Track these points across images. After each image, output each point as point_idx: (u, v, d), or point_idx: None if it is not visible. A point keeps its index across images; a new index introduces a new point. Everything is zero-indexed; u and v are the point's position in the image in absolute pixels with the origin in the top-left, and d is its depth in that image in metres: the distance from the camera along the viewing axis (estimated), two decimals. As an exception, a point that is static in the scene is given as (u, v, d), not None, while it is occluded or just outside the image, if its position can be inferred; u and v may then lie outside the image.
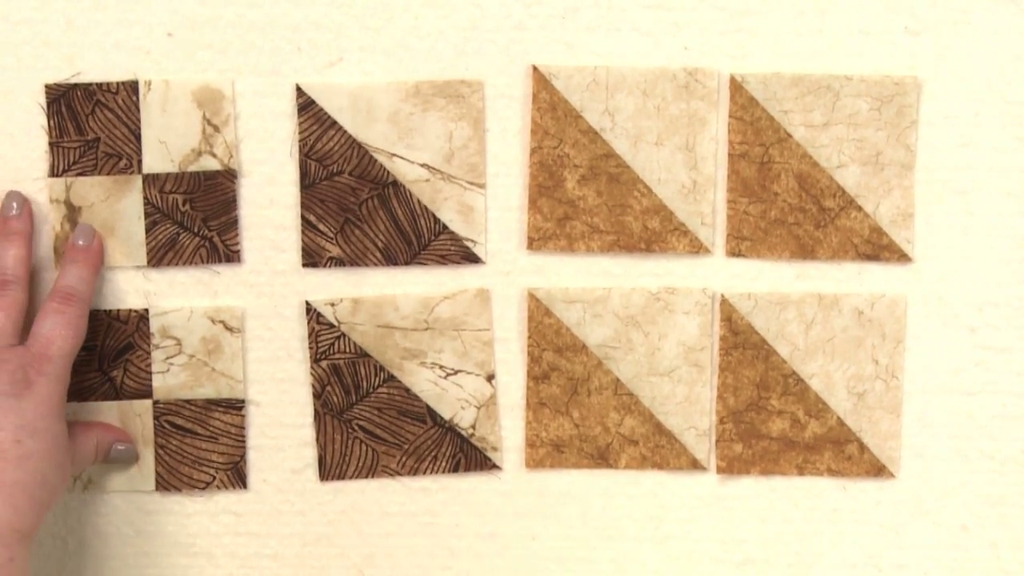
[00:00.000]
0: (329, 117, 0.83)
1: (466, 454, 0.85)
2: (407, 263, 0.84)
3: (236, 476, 0.85)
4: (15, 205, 0.82)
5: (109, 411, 0.84)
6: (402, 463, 0.85)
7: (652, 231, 0.83)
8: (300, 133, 0.83)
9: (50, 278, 0.84)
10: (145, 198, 0.83)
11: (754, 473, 0.85)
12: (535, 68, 0.83)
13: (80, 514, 0.85)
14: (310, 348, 0.84)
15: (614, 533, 0.86)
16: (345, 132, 0.83)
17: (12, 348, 0.77)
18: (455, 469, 0.85)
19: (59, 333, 0.78)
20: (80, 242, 0.82)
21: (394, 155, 0.83)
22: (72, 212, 0.83)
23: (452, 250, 0.84)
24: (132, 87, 0.83)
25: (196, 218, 0.83)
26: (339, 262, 0.84)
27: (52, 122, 0.83)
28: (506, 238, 0.84)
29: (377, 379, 0.85)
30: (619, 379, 0.84)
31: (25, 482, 0.74)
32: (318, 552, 0.86)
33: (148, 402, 0.84)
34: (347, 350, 0.84)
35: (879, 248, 0.83)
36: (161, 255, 0.84)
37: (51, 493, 0.76)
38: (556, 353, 0.84)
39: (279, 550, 0.86)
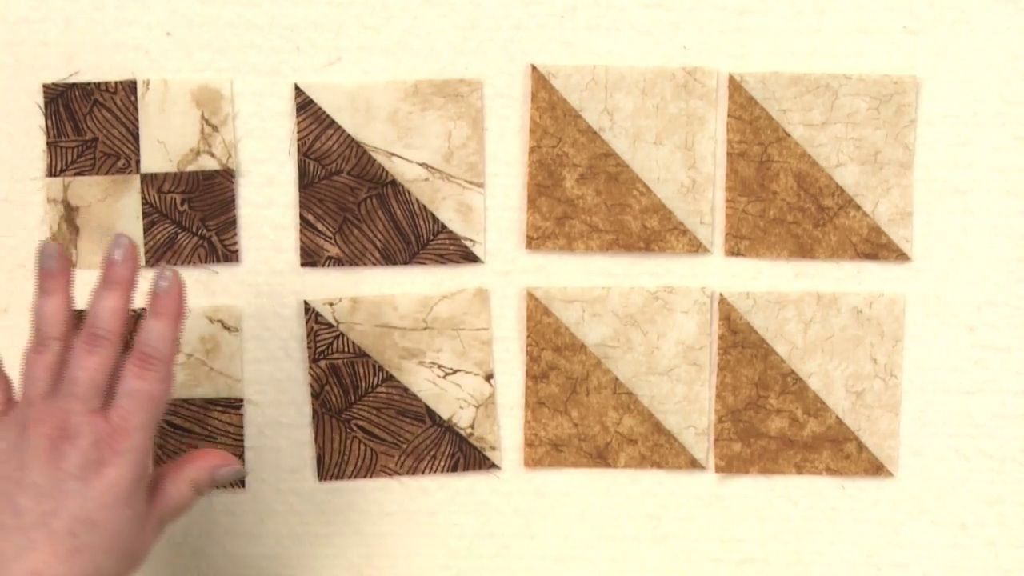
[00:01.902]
0: (328, 116, 0.83)
1: (465, 454, 0.85)
2: (406, 262, 0.84)
3: None
4: (121, 250, 0.72)
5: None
6: (401, 463, 0.85)
7: (651, 230, 0.83)
8: (299, 133, 0.83)
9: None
10: (143, 198, 0.83)
11: (753, 472, 0.85)
12: (534, 67, 0.83)
13: (78, 514, 0.85)
14: (308, 348, 0.84)
15: (613, 532, 0.86)
16: (344, 132, 0.83)
17: (92, 417, 0.70)
18: (454, 469, 0.85)
19: (137, 403, 0.71)
20: (161, 285, 0.72)
21: (393, 154, 0.83)
22: (70, 212, 0.83)
23: (451, 249, 0.84)
24: (130, 87, 0.83)
25: (194, 218, 0.83)
26: (338, 262, 0.84)
27: (50, 122, 0.83)
28: (505, 237, 0.84)
29: (376, 379, 0.84)
30: (618, 378, 0.84)
31: None
32: (316, 552, 0.86)
33: (146, 402, 0.84)
34: (345, 350, 0.84)
35: (878, 247, 0.83)
36: (159, 255, 0.84)
37: None
38: (555, 352, 0.84)
39: (277, 550, 0.86)
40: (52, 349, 0.72)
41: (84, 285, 0.83)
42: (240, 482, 0.83)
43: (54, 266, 0.72)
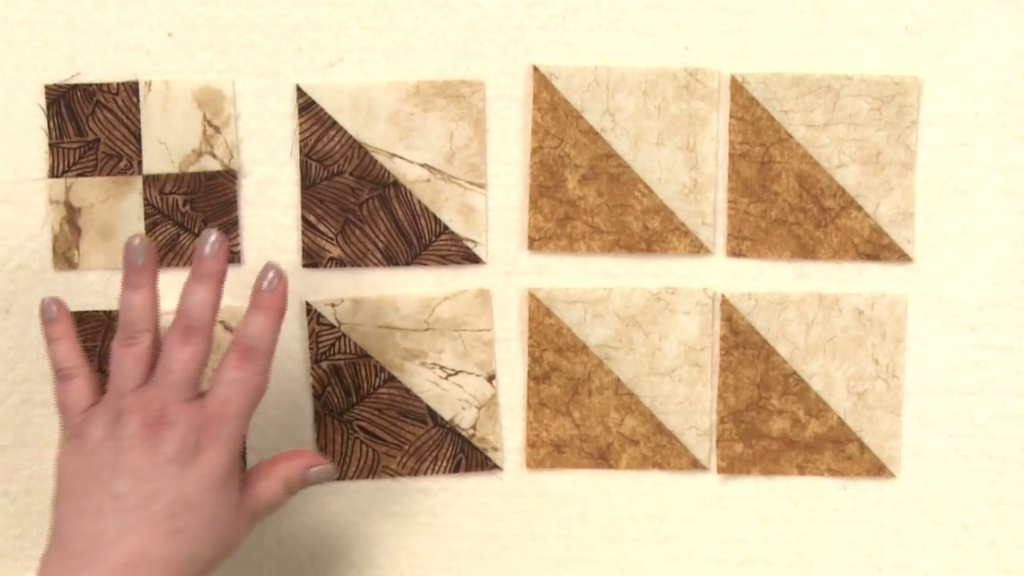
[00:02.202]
0: (329, 117, 0.83)
1: (467, 454, 0.85)
2: (408, 263, 0.84)
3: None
4: (212, 243, 0.74)
5: (109, 412, 0.84)
6: (403, 464, 0.85)
7: (653, 231, 0.83)
8: (300, 133, 0.83)
9: (49, 280, 0.83)
10: (145, 199, 0.83)
11: (754, 473, 0.85)
12: (535, 68, 0.83)
13: (80, 515, 0.85)
14: (310, 349, 0.84)
15: (615, 533, 0.86)
16: (346, 132, 0.83)
17: (188, 405, 0.72)
18: (456, 469, 0.85)
19: (236, 392, 0.73)
20: (264, 285, 0.75)
21: (394, 155, 0.83)
22: (72, 213, 0.83)
23: (453, 250, 0.84)
24: (132, 88, 0.83)
25: (196, 219, 0.83)
26: (339, 262, 0.84)
27: (52, 123, 0.83)
28: (507, 238, 0.84)
29: (377, 380, 0.84)
30: (620, 379, 0.84)
31: (173, 559, 0.70)
32: (317, 552, 0.86)
33: (148, 403, 0.84)
34: (347, 351, 0.84)
35: (879, 248, 0.83)
36: (161, 256, 0.84)
37: (203, 568, 0.71)
38: (557, 353, 0.84)
39: (277, 550, 0.85)
40: (141, 342, 0.74)
41: (87, 286, 0.84)
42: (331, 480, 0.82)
43: (142, 261, 0.75)
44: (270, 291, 0.75)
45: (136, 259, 0.75)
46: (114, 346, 0.74)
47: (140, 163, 0.83)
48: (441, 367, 0.84)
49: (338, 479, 0.85)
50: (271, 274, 0.75)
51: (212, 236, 0.74)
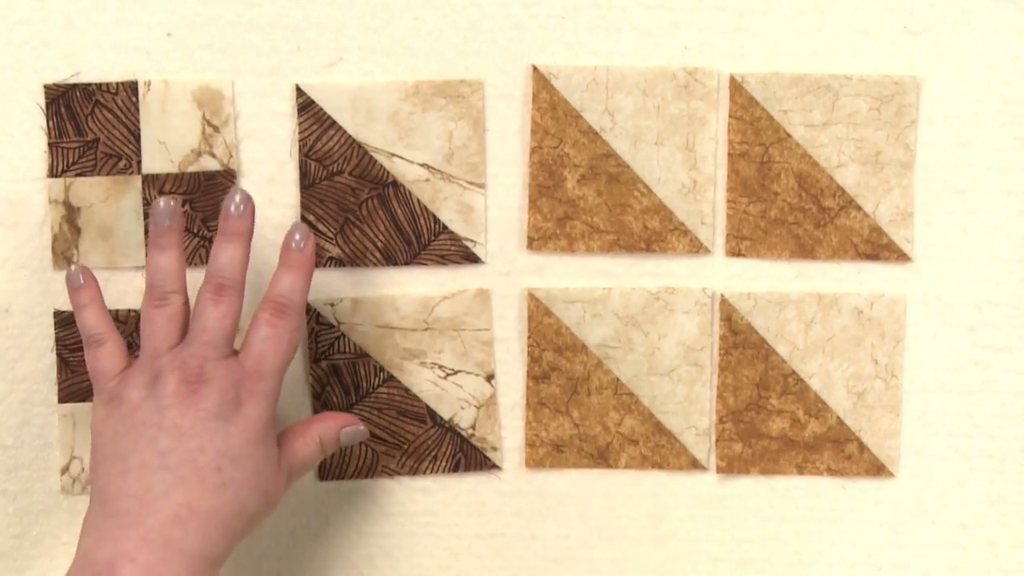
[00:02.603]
0: (329, 117, 0.83)
1: (466, 454, 0.85)
2: (407, 263, 0.84)
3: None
4: (238, 202, 0.76)
5: (108, 412, 0.84)
6: (402, 463, 0.85)
7: (652, 231, 0.83)
8: (300, 133, 0.83)
9: (48, 280, 0.83)
10: (144, 198, 0.83)
11: (754, 473, 0.85)
12: (535, 68, 0.83)
13: (79, 515, 0.85)
14: (309, 348, 0.84)
15: (614, 533, 0.86)
16: (345, 132, 0.83)
17: (226, 362, 0.74)
18: (455, 469, 0.85)
19: (272, 348, 0.75)
20: (293, 244, 0.77)
21: (394, 155, 0.83)
22: (71, 212, 0.83)
23: (452, 250, 0.84)
24: (131, 87, 0.83)
25: (196, 218, 0.83)
26: (339, 262, 0.84)
27: (51, 122, 0.83)
28: (506, 238, 0.84)
29: (377, 379, 0.84)
30: (619, 379, 0.84)
31: (221, 511, 0.71)
32: (317, 552, 0.86)
33: (147, 403, 0.84)
34: (347, 350, 0.84)
35: (879, 247, 0.83)
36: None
37: (248, 521, 0.73)
38: (556, 353, 0.84)
39: (277, 550, 0.85)
40: (172, 302, 0.76)
41: (85, 286, 0.84)
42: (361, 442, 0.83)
43: (168, 223, 0.76)
44: (298, 250, 0.77)
45: (163, 221, 0.76)
46: (144, 308, 0.76)
47: (139, 163, 0.83)
48: (440, 367, 0.84)
49: (338, 479, 0.85)
50: (298, 234, 0.77)
51: (238, 195, 0.76)
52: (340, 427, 0.79)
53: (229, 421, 0.73)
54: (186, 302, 0.76)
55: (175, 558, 0.69)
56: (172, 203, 0.76)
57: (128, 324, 0.84)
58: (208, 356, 0.74)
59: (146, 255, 0.77)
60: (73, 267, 0.78)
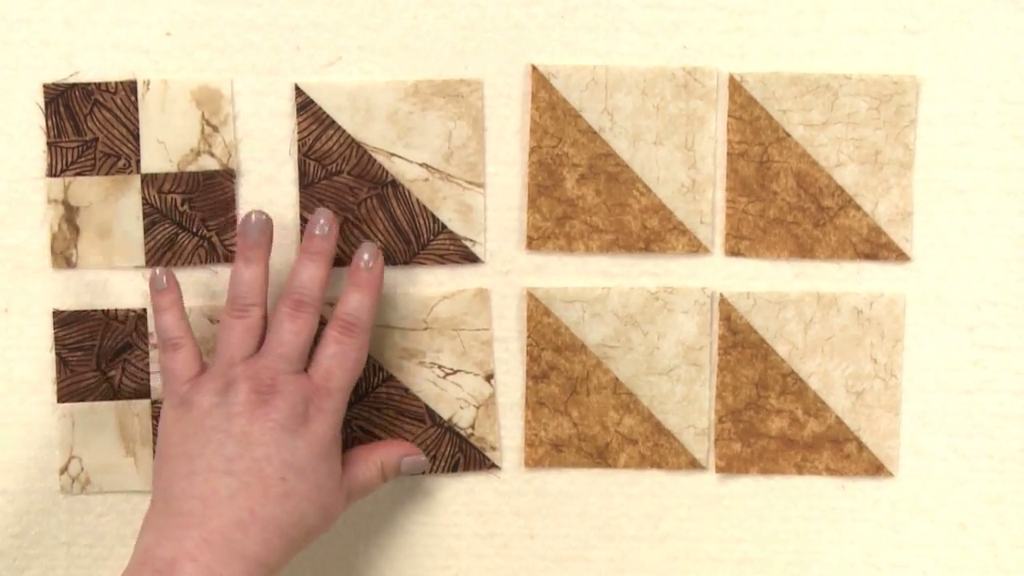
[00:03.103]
0: (328, 117, 0.83)
1: (465, 454, 0.85)
2: (406, 263, 0.84)
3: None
4: (322, 224, 0.79)
5: (107, 411, 0.84)
6: (401, 463, 0.85)
7: (651, 230, 0.83)
8: (299, 133, 0.83)
9: (48, 279, 0.83)
10: (143, 198, 0.83)
11: (753, 472, 0.85)
12: (534, 67, 0.83)
13: (78, 514, 0.85)
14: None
15: (613, 532, 0.86)
16: (344, 132, 0.83)
17: (297, 376, 0.76)
18: (454, 469, 0.85)
19: (338, 365, 0.77)
20: (362, 264, 0.79)
21: (393, 155, 0.83)
22: (70, 212, 0.83)
23: (451, 250, 0.84)
24: (130, 87, 0.83)
25: (195, 218, 0.83)
26: (338, 262, 0.84)
27: (50, 122, 0.83)
28: (505, 238, 0.84)
29: (376, 379, 0.84)
30: (618, 378, 0.84)
31: (281, 520, 0.73)
32: (317, 552, 0.86)
33: (146, 402, 0.84)
34: (346, 350, 0.84)
35: (878, 247, 0.83)
36: (160, 255, 0.83)
37: (307, 533, 0.74)
38: (555, 352, 0.84)
39: (278, 550, 0.85)
40: (252, 314, 0.77)
41: (85, 285, 0.84)
42: (422, 472, 0.85)
43: (258, 238, 0.78)
44: (367, 270, 0.79)
45: (252, 234, 0.78)
46: (224, 317, 0.78)
47: (138, 162, 0.83)
48: (439, 366, 0.84)
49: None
50: (367, 254, 0.79)
51: (323, 218, 0.79)
52: (402, 456, 0.81)
53: (296, 434, 0.74)
54: (265, 315, 0.78)
55: (235, 561, 0.71)
56: (264, 217, 0.78)
57: (127, 324, 0.84)
58: (281, 369, 0.76)
59: (232, 265, 0.79)
60: (158, 269, 0.79)
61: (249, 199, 0.83)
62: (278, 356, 0.76)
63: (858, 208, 0.83)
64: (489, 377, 0.85)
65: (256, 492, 0.72)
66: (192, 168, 0.83)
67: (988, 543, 0.85)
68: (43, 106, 0.83)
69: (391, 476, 0.81)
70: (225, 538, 0.71)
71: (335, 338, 0.77)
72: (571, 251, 0.84)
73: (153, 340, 0.84)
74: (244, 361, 0.76)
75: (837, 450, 0.84)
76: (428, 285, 0.84)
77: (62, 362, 0.84)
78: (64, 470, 0.85)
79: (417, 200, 0.83)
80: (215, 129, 0.83)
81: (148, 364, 0.84)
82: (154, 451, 0.84)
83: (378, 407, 0.85)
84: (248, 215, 0.78)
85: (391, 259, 0.84)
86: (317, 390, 0.76)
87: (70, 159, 0.83)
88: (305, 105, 0.83)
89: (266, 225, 0.78)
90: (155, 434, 0.84)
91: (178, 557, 0.70)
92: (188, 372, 0.77)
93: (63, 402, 0.84)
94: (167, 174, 0.83)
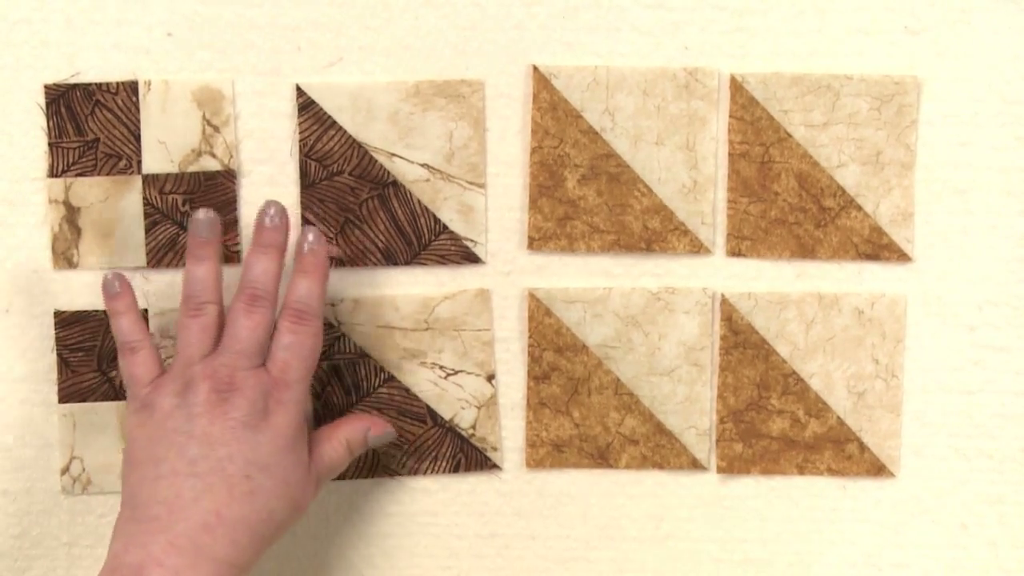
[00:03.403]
0: (329, 117, 0.83)
1: (466, 454, 0.85)
2: (407, 263, 0.84)
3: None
4: (272, 215, 0.78)
5: (108, 412, 0.84)
6: (402, 463, 0.85)
7: (652, 231, 0.83)
8: (300, 133, 0.83)
9: (48, 280, 0.83)
10: (145, 198, 0.83)
11: (754, 472, 0.85)
12: (535, 68, 0.83)
13: (79, 515, 0.85)
14: (310, 348, 0.84)
15: (614, 533, 0.86)
16: (345, 132, 0.83)
17: (256, 371, 0.75)
18: (455, 469, 0.85)
19: (295, 355, 0.76)
20: (305, 248, 0.78)
21: (394, 155, 0.83)
22: (71, 212, 0.83)
23: (452, 250, 0.84)
24: (132, 87, 0.83)
25: (196, 218, 0.83)
26: (339, 262, 0.84)
27: (51, 122, 0.83)
28: (506, 238, 0.84)
29: (377, 379, 0.84)
30: (619, 379, 0.84)
31: (249, 519, 0.72)
32: (317, 552, 0.86)
33: (148, 403, 0.84)
34: (347, 350, 0.84)
35: (879, 247, 0.83)
36: (161, 255, 0.83)
37: (276, 528, 0.74)
38: (556, 353, 0.84)
39: (277, 550, 0.85)
40: (207, 312, 0.77)
41: (86, 286, 0.84)
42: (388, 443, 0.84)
43: (207, 234, 0.77)
44: (312, 254, 0.78)
45: (201, 232, 0.77)
46: (180, 317, 0.77)
47: (140, 163, 0.83)
48: (441, 367, 0.84)
49: (338, 479, 0.85)
50: (311, 236, 0.78)
51: (272, 208, 0.78)
52: (366, 430, 0.80)
53: (258, 430, 0.74)
54: (221, 312, 0.77)
55: (203, 564, 0.70)
56: (212, 215, 0.78)
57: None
58: (239, 365, 0.75)
59: (185, 265, 0.78)
60: (109, 274, 0.79)
61: (250, 199, 0.83)
62: (236, 353, 0.75)
63: (859, 208, 0.83)
64: (490, 378, 0.85)
65: (221, 493, 0.72)
66: (193, 168, 0.83)
67: (989, 543, 0.85)
68: (44, 107, 0.83)
69: (358, 451, 0.80)
70: (192, 541, 0.71)
71: (288, 328, 0.76)
72: (572, 251, 0.84)
73: (155, 340, 0.83)
74: (202, 360, 0.76)
75: (838, 450, 0.84)
76: (429, 285, 0.84)
77: (63, 362, 0.84)
78: (65, 470, 0.85)
79: (418, 200, 0.83)
80: (216, 129, 0.83)
81: (149, 365, 0.84)
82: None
83: (379, 408, 0.85)
84: (196, 212, 0.78)
85: (392, 259, 0.84)
86: (276, 383, 0.75)
87: (71, 159, 0.83)
88: (306, 105, 0.83)
89: (215, 223, 0.77)
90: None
91: (145, 563, 0.70)
92: (148, 375, 0.77)
93: (64, 402, 0.84)
94: (168, 174, 0.83)
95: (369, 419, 0.81)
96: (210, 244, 0.77)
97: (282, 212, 0.78)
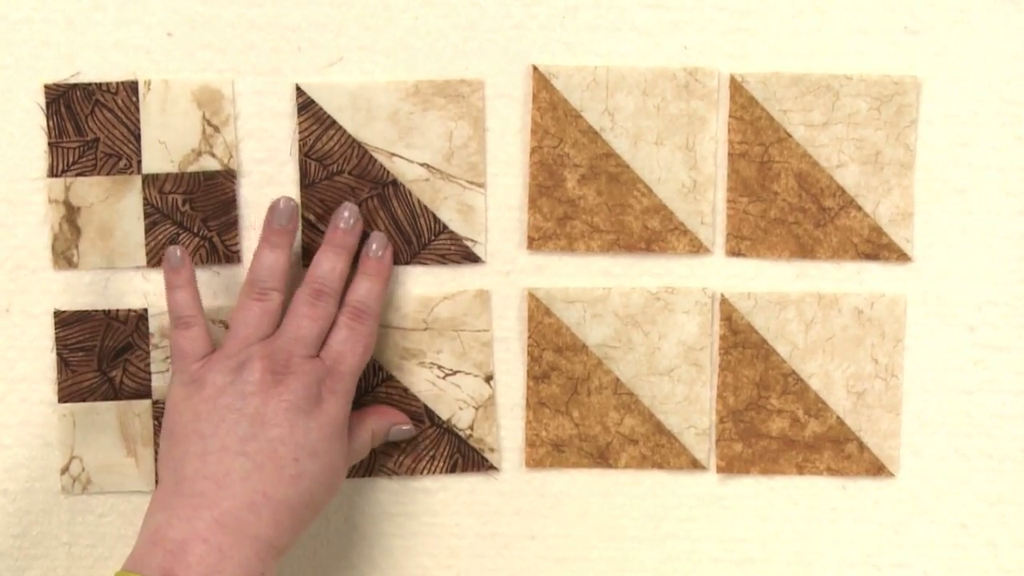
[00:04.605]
0: (329, 117, 0.83)
1: (464, 455, 0.85)
2: (407, 263, 0.84)
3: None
4: (347, 218, 0.81)
5: (108, 411, 0.84)
6: (399, 463, 0.85)
7: (652, 231, 0.83)
8: (300, 133, 0.83)
9: (48, 280, 0.83)
10: (145, 198, 0.83)
11: (754, 472, 0.85)
12: (535, 68, 0.83)
13: (79, 514, 0.85)
14: (310, 348, 0.84)
15: (614, 533, 0.86)
16: (345, 132, 0.83)
17: (310, 359, 0.77)
18: (452, 470, 0.85)
19: (349, 349, 0.78)
20: (371, 253, 0.81)
21: (394, 155, 0.83)
22: (71, 212, 0.83)
23: (452, 250, 0.84)
24: (132, 87, 0.83)
25: (196, 218, 0.83)
26: (345, 257, 0.84)
27: (51, 122, 0.83)
28: (506, 238, 0.84)
29: (375, 379, 0.84)
30: (619, 379, 0.84)
31: (292, 501, 0.73)
32: (317, 552, 0.86)
33: (147, 402, 0.84)
34: (347, 350, 0.84)
35: (879, 247, 0.83)
36: (161, 255, 0.83)
37: (314, 512, 0.75)
38: (556, 353, 0.84)
39: (278, 550, 0.85)
40: (271, 299, 0.78)
41: (86, 286, 0.84)
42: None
43: (285, 224, 0.79)
44: (376, 259, 0.80)
45: (281, 220, 0.79)
46: (242, 298, 0.78)
47: (139, 162, 0.83)
48: (439, 367, 0.84)
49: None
50: (375, 244, 0.81)
51: (347, 211, 0.80)
52: (391, 425, 0.83)
53: (309, 415, 0.75)
54: (283, 302, 0.79)
55: (245, 543, 0.71)
56: (293, 204, 0.79)
57: (128, 324, 0.84)
58: (296, 352, 0.76)
59: (256, 249, 0.80)
60: (172, 247, 0.80)
61: (250, 199, 0.83)
62: (294, 339, 0.77)
63: (859, 208, 0.83)
64: (489, 378, 0.85)
65: (270, 473, 0.73)
66: (193, 168, 0.83)
67: (988, 543, 0.85)
68: (44, 106, 0.83)
69: (378, 443, 0.82)
70: (237, 520, 0.71)
71: (346, 324, 0.78)
72: (572, 251, 0.84)
73: (154, 340, 0.84)
74: (261, 342, 0.77)
75: (838, 450, 0.84)
76: (429, 285, 0.84)
77: (63, 362, 0.84)
78: (65, 470, 0.85)
79: (418, 200, 0.83)
80: (216, 129, 0.83)
81: (149, 364, 0.84)
82: (155, 451, 0.84)
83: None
84: (277, 201, 0.79)
85: (392, 259, 0.84)
86: (329, 372, 0.77)
87: (71, 159, 0.83)
88: (306, 105, 0.83)
89: (294, 212, 0.79)
90: (156, 435, 0.84)
91: (189, 538, 0.70)
92: (199, 351, 0.78)
93: (64, 402, 0.84)
94: (168, 174, 0.83)
95: (395, 413, 0.83)
96: (287, 232, 0.79)
97: (357, 216, 0.81)
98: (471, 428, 0.85)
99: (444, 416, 0.85)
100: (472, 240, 0.84)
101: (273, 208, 0.79)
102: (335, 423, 0.76)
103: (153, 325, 0.84)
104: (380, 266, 0.80)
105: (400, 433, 0.83)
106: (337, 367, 0.77)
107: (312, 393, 0.75)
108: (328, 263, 0.79)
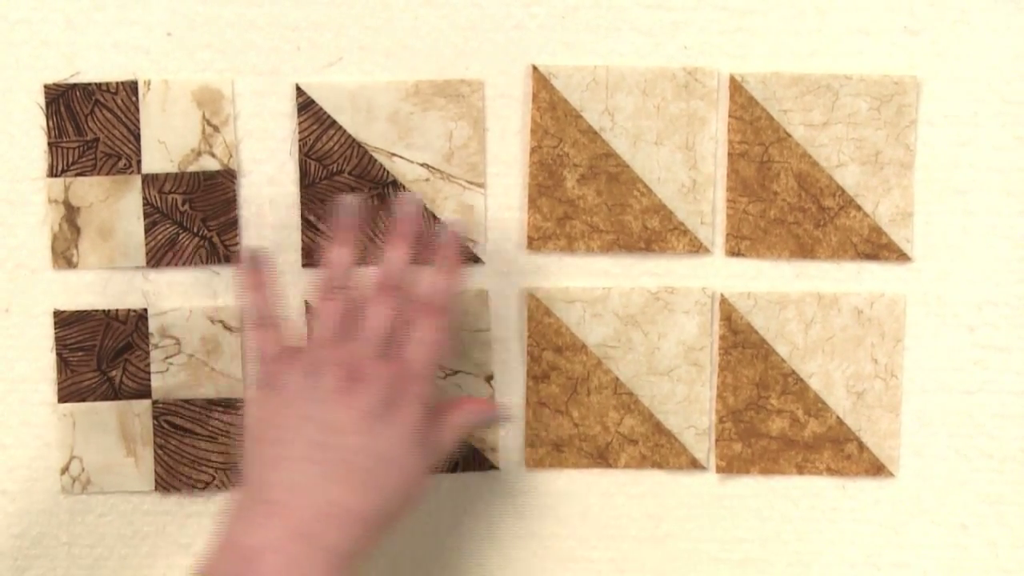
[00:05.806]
0: (329, 117, 0.83)
1: (464, 454, 0.85)
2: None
3: (236, 476, 0.85)
4: (409, 208, 0.78)
5: (108, 411, 0.84)
6: (401, 463, 0.85)
7: (652, 230, 0.83)
8: (300, 133, 0.83)
9: (48, 280, 0.83)
10: (144, 198, 0.83)
11: (753, 472, 0.85)
12: (535, 68, 0.83)
13: (79, 515, 0.85)
14: (310, 348, 0.84)
15: (614, 532, 0.86)
16: (345, 132, 0.83)
17: (383, 362, 0.74)
18: (453, 469, 0.85)
19: (424, 351, 0.75)
20: (442, 247, 0.78)
21: (394, 155, 0.83)
22: (71, 212, 0.83)
23: (452, 250, 0.84)
24: (131, 87, 0.83)
25: (196, 218, 0.83)
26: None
27: (51, 122, 0.83)
28: (506, 238, 0.84)
29: (376, 379, 0.84)
30: (619, 378, 0.84)
31: (366, 511, 0.71)
32: (317, 552, 0.86)
33: (147, 402, 0.84)
34: (347, 350, 0.84)
35: (878, 247, 0.83)
36: (160, 255, 0.84)
37: (391, 521, 0.72)
38: (556, 353, 0.84)
39: (278, 550, 0.85)
40: (343, 297, 0.76)
41: (86, 286, 0.84)
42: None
43: (352, 220, 0.78)
44: (448, 254, 0.78)
45: (348, 216, 0.78)
46: (315, 299, 0.77)
47: (139, 162, 0.83)
48: (439, 367, 0.84)
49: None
50: (446, 236, 0.78)
51: (411, 199, 0.78)
52: (472, 414, 0.78)
53: (385, 423, 0.72)
54: (355, 299, 0.76)
55: (319, 554, 0.69)
56: (359, 200, 0.78)
57: (128, 324, 0.84)
58: (367, 354, 0.74)
59: (326, 248, 0.78)
60: (250, 247, 0.79)
61: (250, 199, 0.83)
62: (365, 341, 0.74)
63: (859, 208, 0.83)
64: (489, 378, 0.85)
65: (344, 484, 0.71)
66: (193, 168, 0.83)
67: (989, 543, 0.85)
68: (44, 106, 0.83)
69: (461, 438, 0.78)
70: (311, 530, 0.69)
71: (416, 321, 0.75)
72: (572, 251, 0.84)
73: (154, 340, 0.84)
74: (333, 345, 0.75)
75: (838, 450, 0.84)
76: (429, 285, 0.84)
77: (63, 362, 0.84)
78: (65, 470, 0.85)
79: (418, 200, 0.83)
80: (216, 129, 0.83)
81: (148, 364, 0.84)
82: (155, 451, 0.84)
83: (379, 407, 0.85)
84: (344, 197, 0.78)
85: (392, 259, 0.84)
86: (403, 375, 0.74)
87: (71, 159, 0.83)
88: (306, 105, 0.83)
89: (359, 208, 0.78)
90: (156, 435, 0.84)
91: (263, 548, 0.68)
92: (275, 352, 0.76)
93: (64, 402, 0.84)
94: (168, 174, 0.83)
95: (474, 401, 0.80)
96: (353, 229, 0.77)
97: (419, 205, 0.78)
98: (472, 428, 0.85)
99: (444, 416, 0.85)
100: (472, 240, 0.84)
101: (342, 204, 0.77)
102: (410, 429, 0.73)
103: (153, 325, 0.84)
104: (452, 260, 0.78)
105: (484, 420, 0.80)
106: (411, 369, 0.74)
107: (385, 399, 0.72)
108: (395, 255, 0.77)
